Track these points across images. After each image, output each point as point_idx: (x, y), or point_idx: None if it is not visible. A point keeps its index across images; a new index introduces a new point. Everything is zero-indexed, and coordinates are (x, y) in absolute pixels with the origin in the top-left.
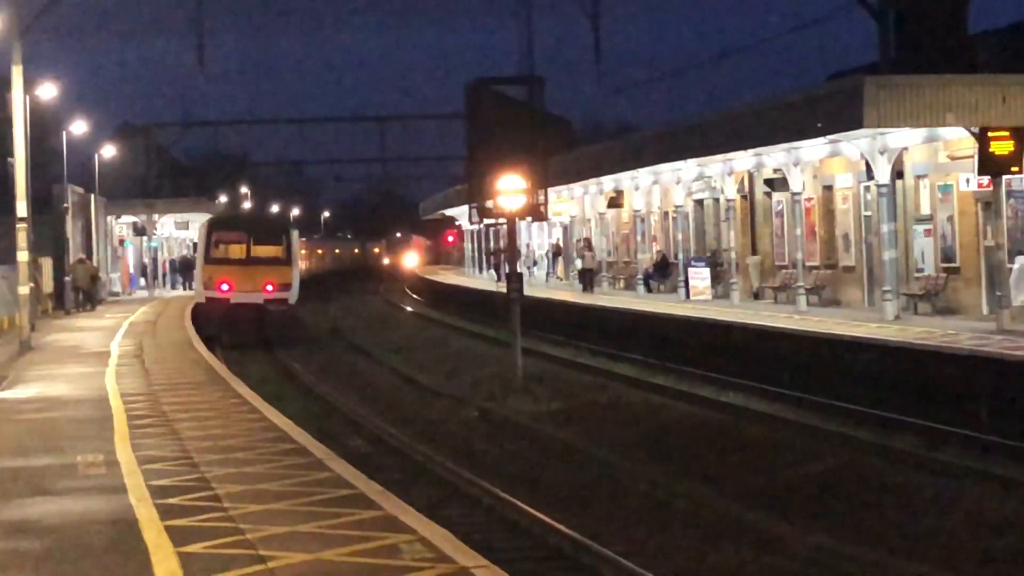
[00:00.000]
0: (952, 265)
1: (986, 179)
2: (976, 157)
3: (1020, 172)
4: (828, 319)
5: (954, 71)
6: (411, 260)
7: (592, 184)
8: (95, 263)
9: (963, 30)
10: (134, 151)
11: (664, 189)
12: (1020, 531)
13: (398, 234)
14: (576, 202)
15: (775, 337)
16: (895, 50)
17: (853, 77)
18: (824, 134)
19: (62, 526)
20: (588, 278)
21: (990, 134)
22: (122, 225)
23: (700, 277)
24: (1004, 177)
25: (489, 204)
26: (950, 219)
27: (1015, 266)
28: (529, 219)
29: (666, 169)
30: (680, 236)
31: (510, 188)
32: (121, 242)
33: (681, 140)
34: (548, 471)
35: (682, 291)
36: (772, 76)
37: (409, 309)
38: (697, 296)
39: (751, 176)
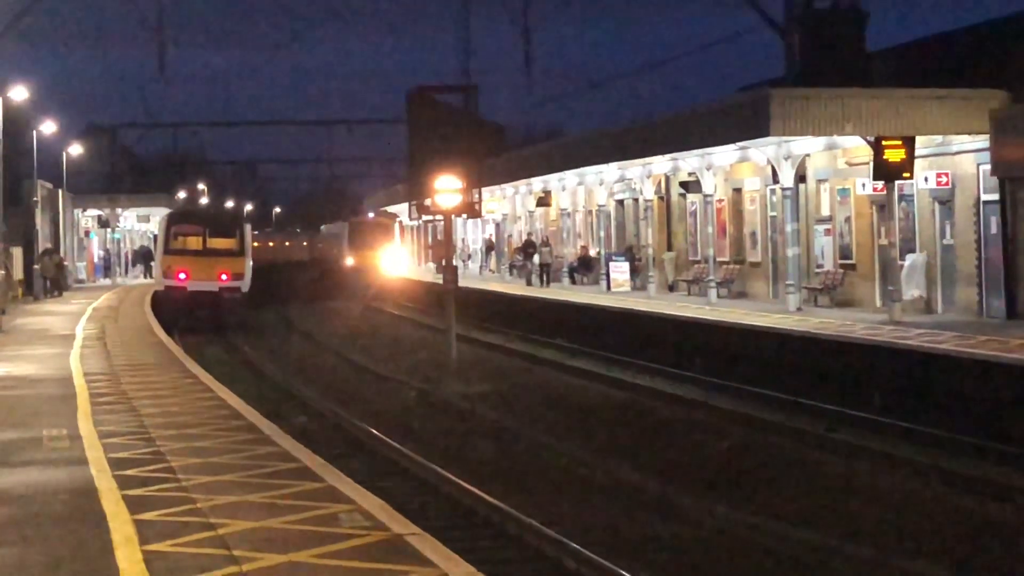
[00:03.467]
0: (849, 262)
1: (880, 184)
2: (871, 164)
3: (911, 178)
4: (736, 310)
5: (852, 85)
6: (393, 260)
7: (523, 184)
8: (62, 253)
9: (861, 48)
10: (99, 150)
11: (588, 190)
12: (907, 503)
13: (370, 214)
14: (508, 201)
15: (688, 326)
16: (799, 65)
17: (761, 90)
18: (728, 142)
19: (27, 495)
20: (546, 272)
21: (884, 143)
22: (87, 218)
23: (620, 271)
24: (896, 182)
25: (428, 202)
26: (848, 220)
27: (905, 263)
28: (464, 216)
29: (590, 171)
30: (602, 233)
31: (447, 187)
32: (87, 234)
33: (604, 145)
34: (477, 447)
35: (604, 283)
36: (689, 87)
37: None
38: (617, 288)
39: (667, 179)
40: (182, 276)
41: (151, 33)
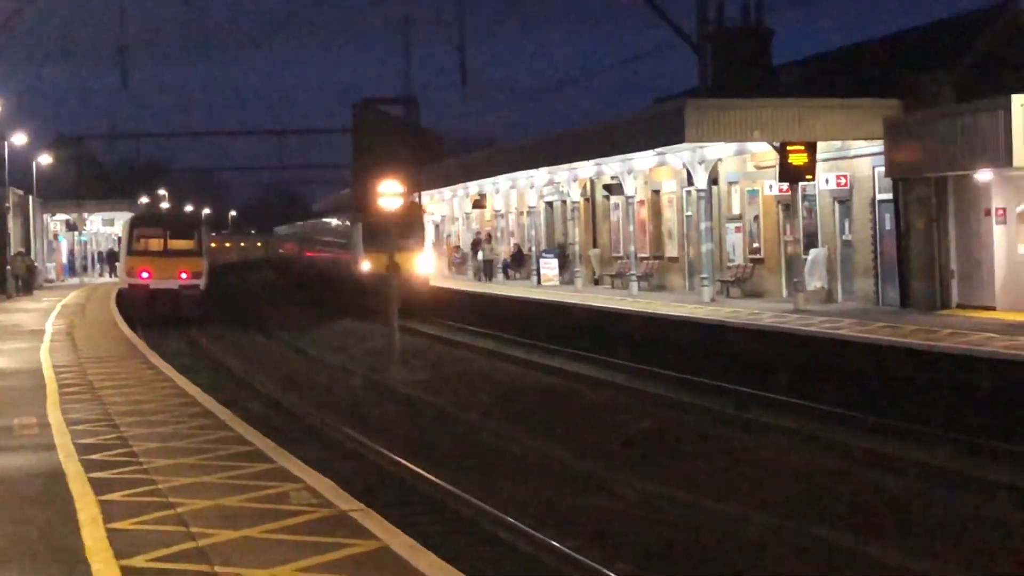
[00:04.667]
0: (758, 256)
1: (785, 185)
2: (777, 167)
3: (813, 179)
4: (655, 301)
5: (760, 95)
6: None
7: (460, 188)
8: (33, 255)
9: (767, 61)
10: (67, 159)
11: (520, 192)
12: (812, 475)
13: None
14: (446, 203)
15: (612, 316)
16: (711, 77)
17: (677, 100)
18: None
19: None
20: (489, 268)
21: (789, 148)
22: (56, 222)
23: (550, 266)
24: (800, 183)
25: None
26: (756, 218)
27: (808, 257)
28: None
29: (522, 176)
30: (533, 232)
31: (389, 192)
32: (55, 236)
33: (534, 152)
34: (419, 428)
35: (535, 278)
36: (612, 98)
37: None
38: (547, 282)
39: (592, 182)
40: (145, 275)
41: (115, 50)
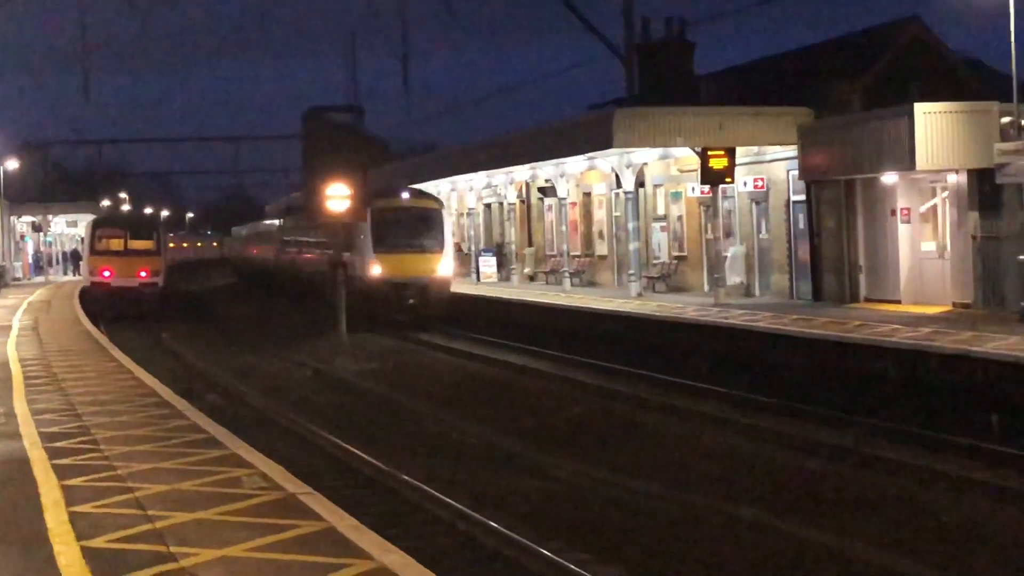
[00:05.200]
0: (681, 254)
1: (707, 187)
2: (699, 171)
3: (732, 182)
4: (586, 296)
5: (683, 104)
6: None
7: None
8: (0, 255)
9: (690, 72)
10: (33, 164)
11: (460, 194)
12: (732, 458)
13: (403, 194)
14: None
15: (546, 310)
16: (638, 87)
17: (606, 109)
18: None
19: None
20: None
21: (709, 153)
22: (23, 223)
23: (488, 264)
24: (720, 186)
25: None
26: (680, 218)
27: (728, 254)
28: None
29: (461, 179)
30: (473, 232)
31: (337, 195)
32: (22, 237)
33: (473, 156)
34: (365, 416)
35: (474, 276)
36: (545, 106)
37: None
38: (486, 279)
39: (528, 185)
40: (106, 274)
41: (77, 61)
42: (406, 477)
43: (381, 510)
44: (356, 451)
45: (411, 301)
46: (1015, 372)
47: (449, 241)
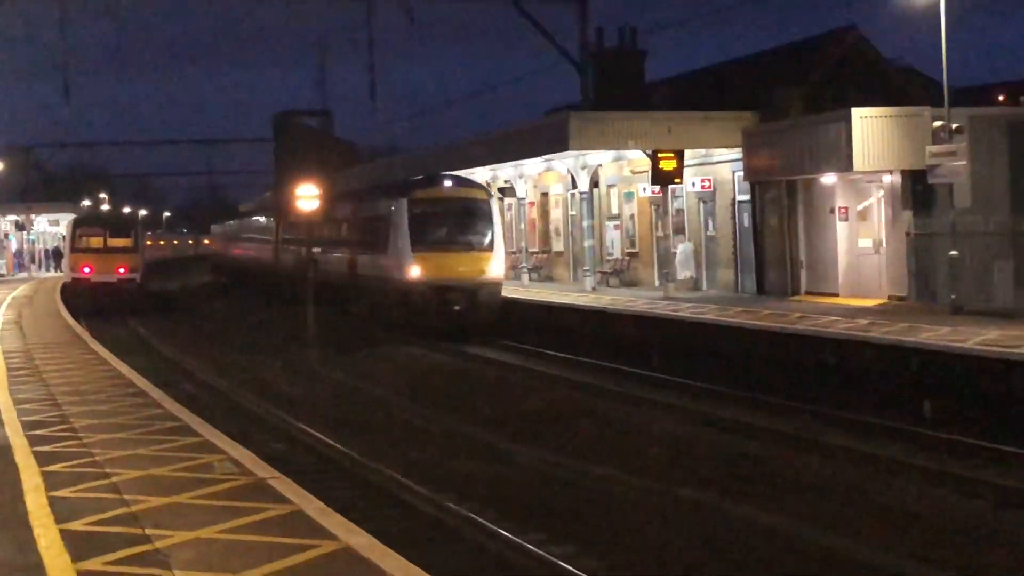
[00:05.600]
0: (633, 250)
1: (657, 188)
2: (650, 172)
3: (681, 182)
4: (543, 290)
5: (634, 109)
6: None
7: None
8: None
9: (641, 79)
10: (16, 165)
11: None
12: (680, 443)
13: (446, 183)
14: None
15: (506, 303)
16: (593, 93)
17: (562, 113)
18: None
19: None
20: None
21: (660, 155)
22: (7, 222)
23: None
24: (670, 186)
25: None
26: (632, 217)
27: (678, 251)
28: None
29: None
30: None
31: (306, 194)
32: (6, 235)
33: (437, 158)
34: (332, 405)
35: None
36: (505, 110)
37: (223, 279)
38: None
39: (488, 185)
40: (87, 270)
41: (58, 67)
42: (373, 463)
43: (348, 494)
44: (324, 437)
45: (456, 308)
46: (946, 361)
47: (500, 237)
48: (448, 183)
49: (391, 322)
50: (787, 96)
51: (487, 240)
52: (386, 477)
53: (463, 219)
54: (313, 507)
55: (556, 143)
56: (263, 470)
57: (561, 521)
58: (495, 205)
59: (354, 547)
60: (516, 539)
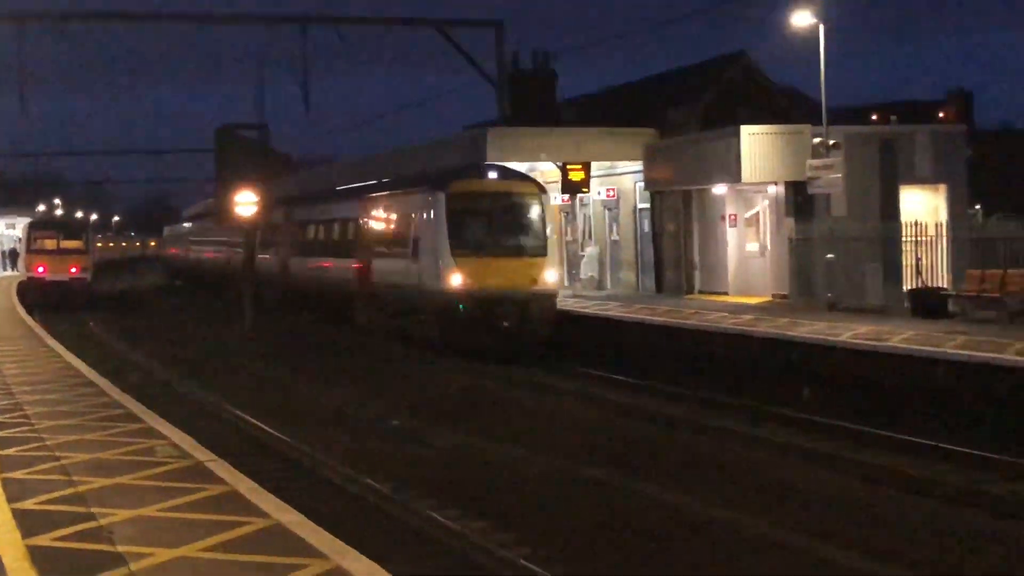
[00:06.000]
0: None
1: (567, 196)
2: (560, 182)
3: (588, 192)
4: None
5: (546, 125)
6: (553, 274)
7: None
8: None
9: (552, 97)
10: None
11: None
12: (587, 427)
13: (490, 174)
14: None
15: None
16: (509, 110)
17: (480, 128)
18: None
19: None
20: None
21: (569, 167)
22: None
23: None
24: (578, 195)
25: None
26: None
27: (585, 253)
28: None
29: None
30: None
31: (245, 201)
32: None
33: (364, 168)
34: (264, 395)
35: None
36: (430, 125)
37: (178, 282)
38: None
39: None
40: (41, 269)
41: (14, 82)
42: (302, 445)
43: (280, 475)
44: (257, 423)
45: (505, 324)
46: (822, 352)
47: (553, 239)
48: (493, 174)
49: (418, 339)
50: (683, 114)
51: (540, 242)
52: (317, 460)
53: (512, 217)
54: (246, 487)
55: (475, 155)
56: (202, 453)
57: (471, 497)
58: (547, 201)
59: (284, 524)
60: (434, 515)
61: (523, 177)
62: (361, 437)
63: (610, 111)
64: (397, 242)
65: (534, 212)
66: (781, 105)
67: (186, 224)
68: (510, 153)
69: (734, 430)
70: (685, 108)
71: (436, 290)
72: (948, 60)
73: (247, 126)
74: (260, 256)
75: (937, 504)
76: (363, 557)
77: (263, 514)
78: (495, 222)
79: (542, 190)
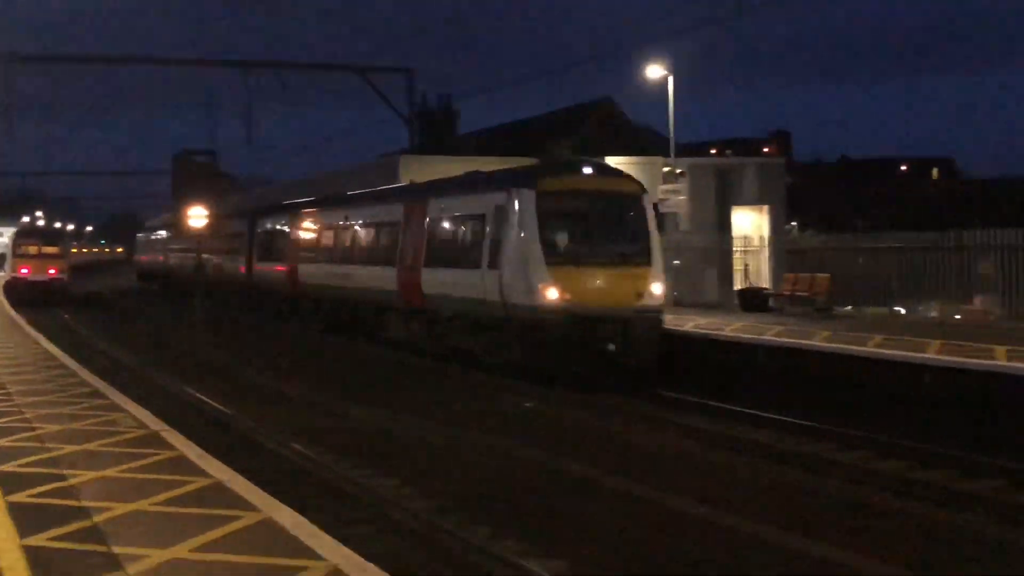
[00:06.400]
0: None
1: None
2: None
3: None
4: None
5: (449, 155)
6: (659, 287)
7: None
8: None
9: (455, 131)
10: None
11: None
12: (487, 403)
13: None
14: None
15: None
16: (419, 141)
17: (394, 157)
18: None
19: None
20: None
21: None
22: None
23: None
24: None
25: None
26: None
27: None
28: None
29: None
30: None
31: (197, 215)
32: None
33: (296, 189)
34: (210, 378)
35: None
36: (353, 153)
37: (147, 284)
38: None
39: None
40: (24, 271)
41: (2, 112)
42: (239, 414)
43: (223, 443)
44: (205, 399)
45: (611, 348)
46: (670, 339)
47: (659, 246)
48: (588, 169)
49: (486, 359)
50: (563, 147)
51: (645, 249)
52: (253, 428)
53: (612, 220)
54: (194, 452)
55: (390, 178)
56: (157, 424)
57: (385, 458)
58: (648, 203)
59: (224, 482)
60: (349, 474)
61: (621, 174)
62: (289, 410)
63: (504, 143)
64: (463, 249)
65: (636, 213)
66: (639, 140)
67: (151, 233)
68: (418, 177)
69: (597, 403)
70: (565, 141)
71: (523, 305)
72: (771, 106)
73: (199, 152)
74: (261, 265)
75: (759, 462)
76: (289, 508)
77: (207, 475)
78: (593, 226)
79: (642, 188)
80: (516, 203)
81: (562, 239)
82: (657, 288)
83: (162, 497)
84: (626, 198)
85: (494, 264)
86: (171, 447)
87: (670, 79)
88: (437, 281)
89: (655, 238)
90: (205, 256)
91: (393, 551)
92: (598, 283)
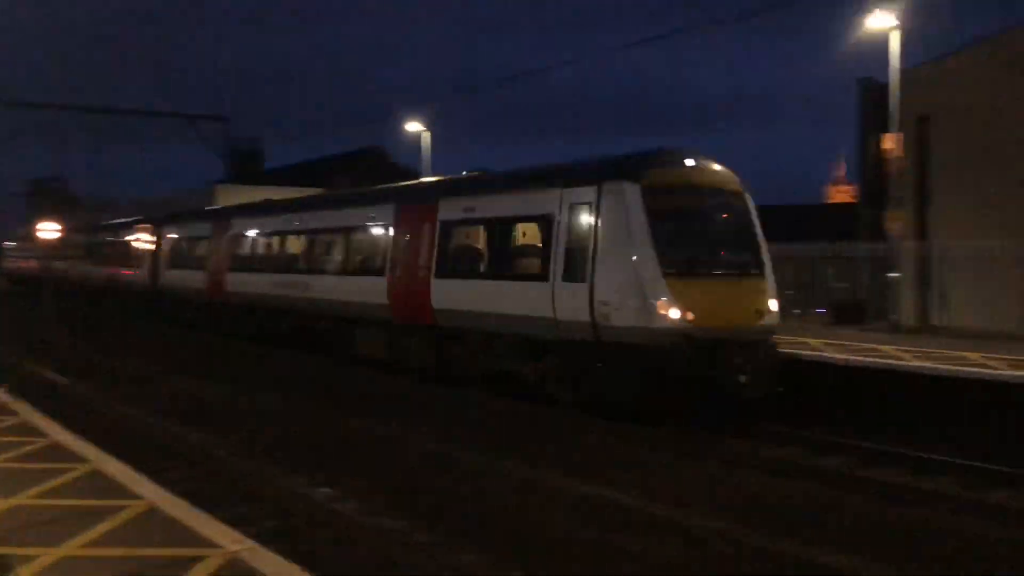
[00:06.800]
0: None
1: None
2: None
3: None
4: None
5: (256, 185)
6: (774, 302)
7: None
8: None
9: (262, 166)
10: None
11: None
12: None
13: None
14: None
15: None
16: (231, 173)
17: (211, 186)
18: None
19: None
20: None
21: None
22: None
23: None
24: None
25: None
26: None
27: None
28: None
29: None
30: None
31: (49, 228)
32: None
33: (124, 211)
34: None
35: None
36: (178, 181)
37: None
38: None
39: None
40: None
41: None
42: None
43: (99, 426)
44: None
45: (743, 378)
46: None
47: (768, 255)
48: (690, 161)
49: (540, 392)
50: (343, 181)
51: (757, 259)
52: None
53: (726, 223)
54: (65, 438)
55: (209, 202)
56: (4, 395)
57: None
58: (752, 202)
59: (60, 441)
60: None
61: (721, 167)
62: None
63: (300, 179)
64: (508, 259)
65: (744, 214)
66: (405, 178)
67: (14, 243)
68: (232, 202)
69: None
70: (345, 177)
71: (629, 328)
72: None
73: (51, 180)
74: (169, 271)
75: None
76: (117, 460)
77: (46, 435)
78: (707, 229)
79: (746, 185)
80: (614, 200)
81: (680, 246)
82: (774, 305)
83: (10, 454)
84: (732, 196)
85: (573, 276)
86: (12, 413)
87: (427, 135)
88: (456, 295)
89: (764, 244)
90: (69, 262)
91: None
92: (721, 300)
